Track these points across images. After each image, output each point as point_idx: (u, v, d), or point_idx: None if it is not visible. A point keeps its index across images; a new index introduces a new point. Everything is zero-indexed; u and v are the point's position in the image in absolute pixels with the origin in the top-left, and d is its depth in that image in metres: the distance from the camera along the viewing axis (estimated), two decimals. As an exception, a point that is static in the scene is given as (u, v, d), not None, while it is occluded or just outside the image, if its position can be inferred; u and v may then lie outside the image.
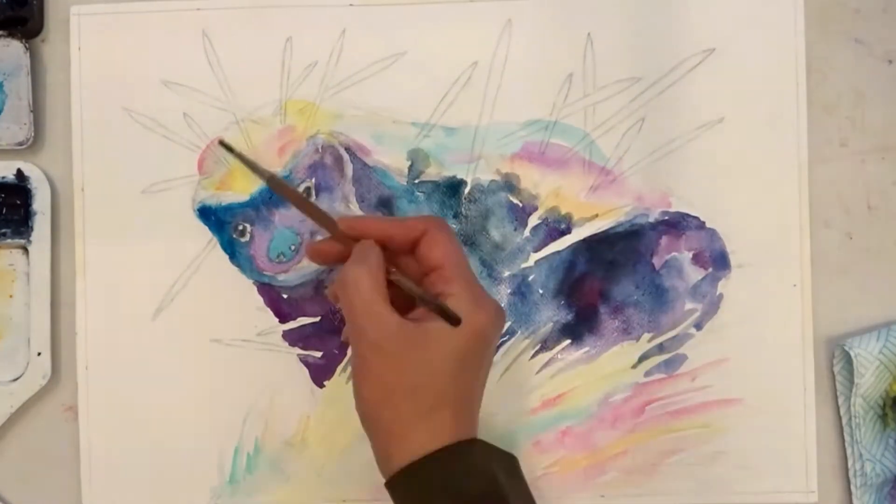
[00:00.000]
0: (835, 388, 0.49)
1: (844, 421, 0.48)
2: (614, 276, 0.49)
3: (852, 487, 0.48)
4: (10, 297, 0.49)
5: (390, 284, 0.40)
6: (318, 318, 0.49)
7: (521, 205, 0.49)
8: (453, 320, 0.39)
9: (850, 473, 0.48)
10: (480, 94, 0.49)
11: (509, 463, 0.40)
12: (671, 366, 0.49)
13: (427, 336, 0.39)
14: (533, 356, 0.49)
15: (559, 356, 0.49)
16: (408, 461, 0.38)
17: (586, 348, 0.49)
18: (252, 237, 0.49)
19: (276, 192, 0.42)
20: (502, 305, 0.49)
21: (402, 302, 0.40)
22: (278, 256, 0.49)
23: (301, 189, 0.49)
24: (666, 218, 0.49)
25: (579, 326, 0.49)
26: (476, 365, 0.40)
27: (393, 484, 0.39)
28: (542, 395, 0.49)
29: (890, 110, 0.49)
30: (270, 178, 0.41)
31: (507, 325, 0.49)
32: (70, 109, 0.49)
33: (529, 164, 0.49)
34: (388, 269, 0.40)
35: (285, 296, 0.49)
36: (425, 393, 0.38)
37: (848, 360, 0.48)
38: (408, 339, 0.38)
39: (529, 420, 0.49)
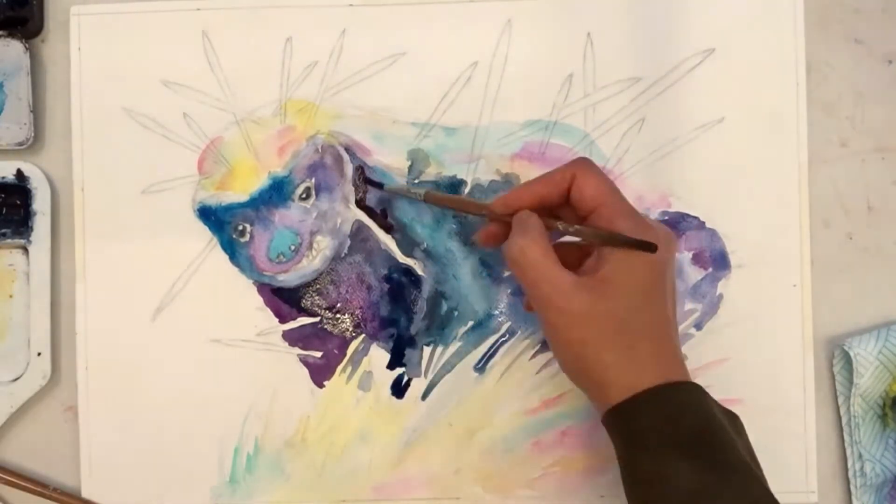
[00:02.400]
0: (834, 388, 0.49)
1: (844, 421, 0.48)
2: (614, 276, 0.49)
3: (852, 488, 0.48)
4: (10, 297, 0.49)
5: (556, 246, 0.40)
6: (317, 318, 0.49)
7: (521, 205, 0.49)
8: (651, 247, 0.38)
9: (850, 473, 0.48)
10: (480, 94, 0.49)
11: (731, 416, 0.40)
12: (671, 366, 0.48)
13: (605, 283, 0.38)
14: (533, 356, 0.49)
15: (559, 356, 0.49)
16: (616, 402, 0.38)
17: (586, 348, 0.49)
18: (252, 237, 0.49)
19: (436, 204, 0.45)
20: (502, 305, 0.49)
21: (571, 260, 0.40)
22: (278, 256, 0.49)
23: (301, 189, 0.49)
24: (666, 218, 0.49)
25: (579, 326, 0.49)
26: (660, 295, 0.39)
27: (607, 422, 0.39)
28: (542, 395, 0.49)
29: (890, 110, 0.49)
30: (427, 195, 0.44)
31: (507, 325, 0.49)
32: (70, 109, 0.49)
33: (529, 164, 0.49)
34: (561, 226, 0.40)
35: (285, 296, 0.49)
36: (621, 337, 0.38)
37: (847, 361, 0.48)
38: (589, 292, 0.38)
39: (529, 420, 0.49)
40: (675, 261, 0.41)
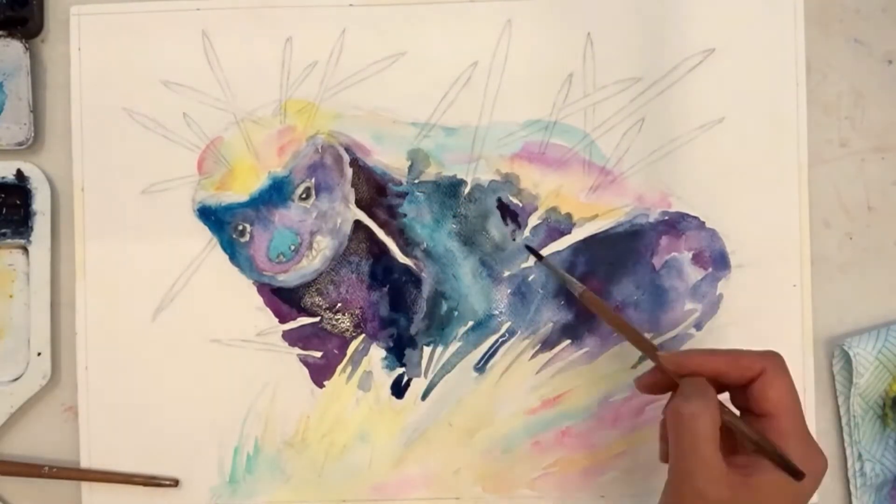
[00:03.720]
0: (834, 388, 0.49)
1: (844, 421, 0.48)
2: (614, 276, 0.49)
3: (852, 488, 0.48)
4: (10, 297, 0.49)
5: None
6: (317, 319, 0.49)
7: (521, 205, 0.49)
8: (798, 475, 0.37)
9: (850, 473, 0.48)
10: (480, 94, 0.49)
11: None
12: (671, 366, 0.49)
13: (754, 491, 0.37)
14: (533, 356, 0.49)
15: (559, 356, 0.49)
16: None
17: (586, 348, 0.49)
18: (252, 237, 0.49)
19: (592, 309, 0.45)
20: (502, 305, 0.49)
21: (725, 441, 0.38)
22: (278, 256, 0.49)
23: (301, 189, 0.49)
24: (666, 218, 0.49)
25: (579, 326, 0.49)
26: None
27: None
28: (542, 395, 0.49)
29: (890, 110, 0.49)
30: (583, 295, 0.44)
31: (507, 325, 0.49)
32: (70, 109, 0.49)
33: (529, 164, 0.49)
34: (722, 409, 0.38)
35: (285, 296, 0.49)
36: None
37: (847, 361, 0.48)
38: (733, 491, 0.37)
39: (529, 420, 0.49)
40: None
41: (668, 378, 0.41)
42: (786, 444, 0.38)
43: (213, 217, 0.49)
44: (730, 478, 0.37)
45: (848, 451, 0.48)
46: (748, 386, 0.39)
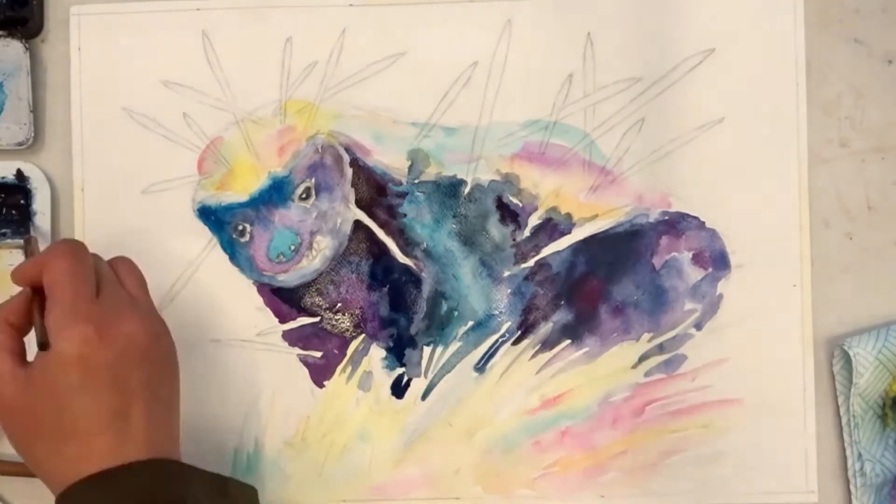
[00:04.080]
0: (834, 388, 0.49)
1: (844, 421, 0.48)
2: (614, 276, 0.49)
3: (852, 488, 0.48)
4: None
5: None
6: (317, 318, 0.49)
7: (521, 205, 0.49)
8: (45, 346, 0.39)
9: (850, 473, 0.48)
10: (480, 94, 0.49)
11: (219, 484, 0.41)
12: (671, 366, 0.49)
13: (41, 374, 0.39)
14: (533, 356, 0.49)
15: (559, 356, 0.49)
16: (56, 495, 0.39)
17: (586, 348, 0.49)
18: (252, 237, 0.49)
19: None
20: (502, 305, 0.49)
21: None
22: (278, 256, 0.49)
23: (301, 189, 0.49)
24: (666, 218, 0.49)
25: (579, 326, 0.49)
26: (91, 389, 0.39)
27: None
28: (542, 395, 0.49)
29: (890, 110, 0.49)
30: None
31: (507, 325, 0.49)
32: (70, 109, 0.49)
33: (529, 164, 0.49)
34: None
35: (285, 296, 0.49)
36: (53, 428, 0.39)
37: (847, 360, 0.48)
38: (23, 384, 0.39)
39: (529, 420, 0.49)
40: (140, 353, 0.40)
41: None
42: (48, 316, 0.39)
43: (213, 217, 0.49)
44: (23, 375, 0.39)
45: (848, 451, 0.48)
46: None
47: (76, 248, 0.41)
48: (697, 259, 0.49)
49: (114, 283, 0.42)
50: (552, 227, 0.49)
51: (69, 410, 0.38)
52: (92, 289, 0.40)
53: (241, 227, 0.49)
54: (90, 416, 0.38)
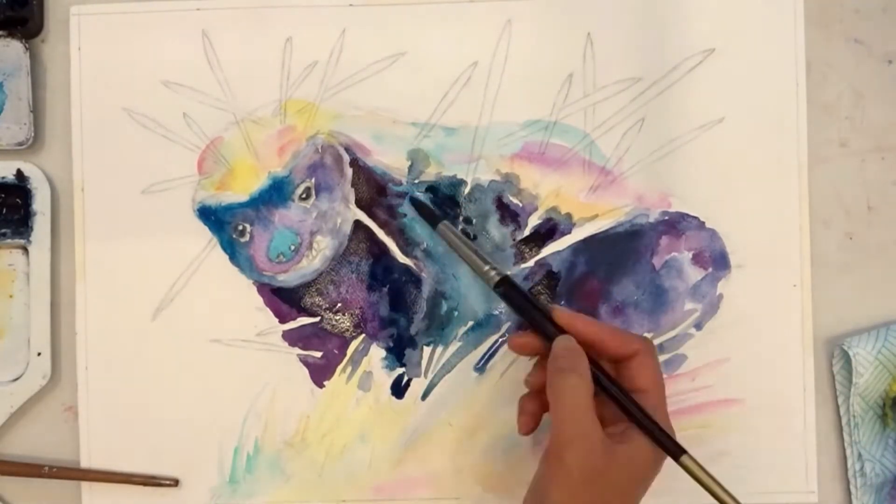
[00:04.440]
0: (835, 388, 0.49)
1: (844, 421, 0.48)
2: (614, 276, 0.49)
3: (852, 488, 0.48)
4: (10, 297, 0.49)
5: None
6: (317, 319, 0.49)
7: (521, 205, 0.49)
8: (676, 453, 0.40)
9: (850, 474, 0.48)
10: (480, 94, 0.49)
11: None
12: (671, 366, 0.49)
13: (625, 460, 0.40)
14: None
15: (559, 356, 0.49)
16: None
17: (586, 348, 0.49)
18: (252, 237, 0.49)
19: (504, 299, 0.45)
20: (502, 305, 0.49)
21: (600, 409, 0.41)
22: (278, 256, 0.49)
23: (301, 189, 0.49)
24: (666, 218, 0.49)
25: (579, 326, 0.49)
26: (643, 491, 0.41)
27: None
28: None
29: (890, 110, 0.49)
30: (501, 282, 0.44)
31: (507, 325, 0.49)
32: (70, 109, 0.49)
33: (529, 164, 0.49)
34: (609, 382, 0.41)
35: (285, 296, 0.49)
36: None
37: (847, 360, 0.48)
38: (609, 459, 0.39)
39: (529, 420, 0.49)
40: None
41: (542, 343, 0.43)
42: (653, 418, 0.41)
43: (213, 217, 0.49)
44: (606, 447, 0.39)
45: (848, 452, 0.48)
46: (620, 363, 0.42)
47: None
48: (697, 259, 0.49)
49: None
50: (552, 227, 0.49)
51: (643, 485, 0.41)
52: None
53: (241, 227, 0.49)
54: None
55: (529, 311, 0.43)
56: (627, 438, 0.40)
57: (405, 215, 0.49)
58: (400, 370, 0.49)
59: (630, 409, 0.41)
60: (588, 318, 0.43)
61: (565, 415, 0.40)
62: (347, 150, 0.49)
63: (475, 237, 0.49)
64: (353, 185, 0.49)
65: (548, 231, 0.49)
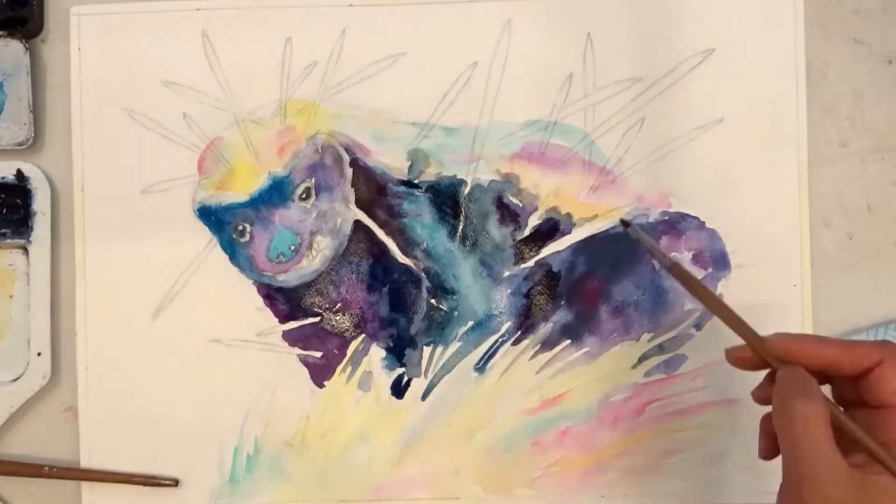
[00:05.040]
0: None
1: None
2: (614, 276, 0.49)
3: (852, 487, 0.48)
4: (10, 297, 0.49)
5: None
6: (317, 319, 0.49)
7: (521, 205, 0.49)
8: None
9: (851, 473, 0.48)
10: (480, 94, 0.49)
11: None
12: (671, 366, 0.49)
13: (875, 491, 0.34)
14: (533, 356, 0.49)
15: (559, 356, 0.49)
16: None
17: (586, 348, 0.49)
18: (252, 237, 0.49)
19: (681, 282, 0.41)
20: (502, 305, 0.49)
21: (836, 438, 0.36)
22: (278, 256, 0.49)
23: (301, 189, 0.49)
24: (666, 218, 0.49)
25: (579, 326, 0.49)
26: None
27: None
28: (542, 395, 0.49)
29: (890, 110, 0.49)
30: (674, 268, 0.40)
31: (507, 325, 0.49)
32: (70, 109, 0.49)
33: (529, 165, 0.49)
34: (832, 407, 0.36)
35: (285, 296, 0.49)
36: None
37: (848, 360, 0.48)
38: (857, 491, 0.34)
39: (529, 420, 0.49)
40: None
41: (763, 358, 0.38)
42: None
43: (213, 217, 0.49)
44: (854, 477, 0.34)
45: (848, 451, 0.48)
46: (860, 377, 0.37)
47: None
48: (697, 259, 0.49)
49: None
50: (552, 227, 0.49)
51: None
52: None
53: (241, 227, 0.49)
54: None
55: (745, 332, 0.39)
56: (874, 465, 0.35)
57: (405, 215, 0.49)
58: (400, 370, 0.49)
59: (859, 437, 0.35)
60: (809, 340, 0.38)
61: (799, 446, 0.35)
62: (347, 150, 0.49)
63: (475, 237, 0.49)
64: (353, 185, 0.49)
65: (548, 231, 0.49)
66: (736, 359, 0.39)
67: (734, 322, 0.39)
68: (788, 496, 0.35)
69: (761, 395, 0.40)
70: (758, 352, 0.38)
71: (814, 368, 0.37)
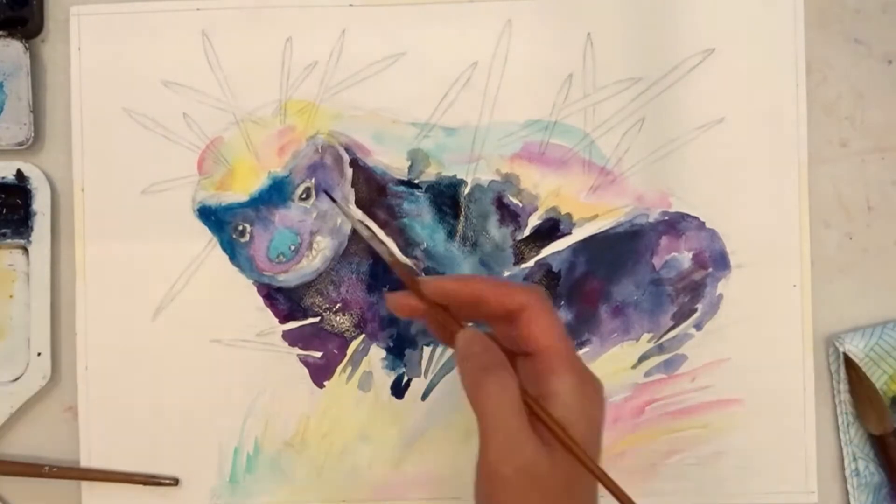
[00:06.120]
0: (832, 387, 0.49)
1: (840, 420, 0.48)
2: (614, 276, 0.49)
3: (849, 487, 0.48)
4: (10, 297, 0.49)
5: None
6: (317, 319, 0.49)
7: (521, 205, 0.49)
8: (596, 474, 0.35)
9: (847, 473, 0.48)
10: (480, 94, 0.49)
11: None
12: (671, 366, 0.49)
13: (564, 460, 0.35)
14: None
15: (559, 356, 0.49)
16: None
17: (586, 348, 0.49)
18: (252, 237, 0.49)
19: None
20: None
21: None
22: (278, 256, 0.49)
23: (301, 189, 0.49)
24: (666, 218, 0.49)
25: (579, 326, 0.49)
26: (597, 451, 0.36)
27: None
28: (542, 395, 0.49)
29: (890, 110, 0.49)
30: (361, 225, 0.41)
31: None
32: (70, 109, 0.49)
33: (529, 165, 0.49)
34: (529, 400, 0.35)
35: (285, 296, 0.49)
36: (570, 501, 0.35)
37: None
38: (548, 462, 0.35)
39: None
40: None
41: (427, 302, 0.37)
42: (561, 378, 0.35)
43: (213, 217, 0.49)
44: (540, 449, 0.34)
45: (845, 451, 0.48)
46: (513, 324, 0.36)
47: (546, 294, 0.37)
48: (697, 259, 0.49)
49: None
50: (552, 227, 0.49)
51: (586, 481, 0.36)
52: None
53: (241, 227, 0.49)
54: (594, 486, 0.36)
55: (403, 271, 0.38)
56: (552, 437, 0.35)
57: (405, 215, 0.49)
58: (400, 370, 0.49)
59: (559, 436, 0.35)
60: (458, 277, 0.38)
61: (491, 420, 0.34)
62: (347, 150, 0.49)
63: (475, 237, 0.49)
64: (353, 186, 0.49)
65: (548, 231, 0.49)
66: (394, 304, 0.38)
67: (396, 263, 0.39)
68: (485, 466, 0.35)
69: (397, 304, 0.38)
70: (416, 293, 0.37)
71: (465, 305, 0.36)
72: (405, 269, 0.39)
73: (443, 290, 0.37)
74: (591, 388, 0.36)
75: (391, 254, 0.41)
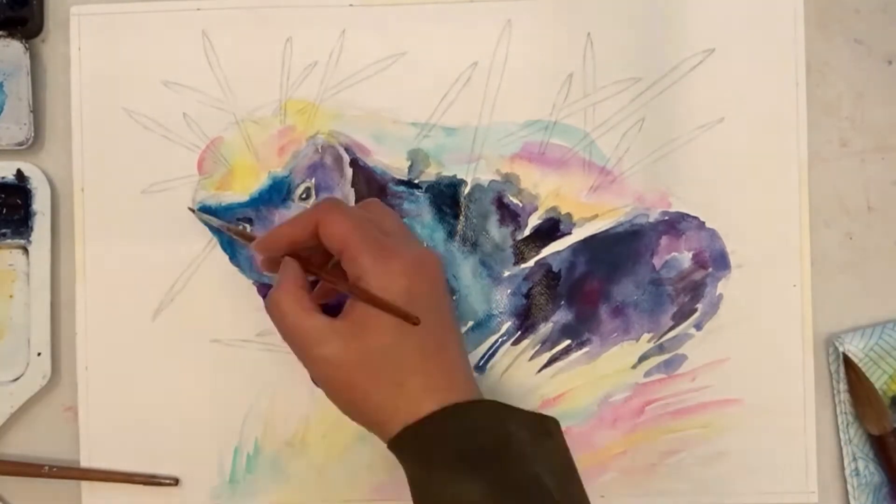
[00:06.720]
0: (832, 387, 0.49)
1: (840, 420, 0.48)
2: (614, 276, 0.49)
3: (849, 487, 0.48)
4: (10, 297, 0.49)
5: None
6: (318, 318, 0.49)
7: (521, 205, 0.49)
8: (411, 319, 0.38)
9: (847, 473, 0.48)
10: (480, 94, 0.49)
11: (539, 423, 0.39)
12: (671, 366, 0.49)
13: (358, 325, 0.39)
14: (533, 356, 0.49)
15: (559, 356, 0.49)
16: (395, 433, 0.38)
17: (586, 348, 0.49)
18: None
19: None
20: (502, 305, 0.49)
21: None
22: (278, 256, 0.49)
23: (301, 189, 0.49)
24: (666, 218, 0.49)
25: (579, 326, 0.49)
26: (422, 329, 0.39)
27: (392, 450, 0.39)
28: (542, 395, 0.49)
29: (890, 110, 0.49)
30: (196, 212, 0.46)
31: (508, 324, 0.49)
32: (70, 109, 0.49)
33: (529, 165, 0.49)
34: (321, 274, 0.40)
35: (285, 296, 0.49)
36: (385, 375, 0.38)
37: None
38: (343, 337, 0.38)
39: (529, 420, 0.49)
40: (442, 282, 0.41)
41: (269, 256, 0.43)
42: (361, 263, 0.39)
43: (214, 217, 0.49)
44: (336, 328, 0.38)
45: (844, 451, 0.48)
46: (320, 240, 0.40)
47: (338, 201, 0.42)
48: (697, 259, 0.49)
49: (383, 220, 0.42)
50: (552, 227, 0.49)
51: (399, 352, 0.38)
52: (376, 229, 0.40)
53: (241, 227, 0.49)
54: (421, 353, 0.38)
55: (239, 234, 0.45)
56: (354, 303, 0.39)
57: (405, 215, 0.49)
58: (400, 370, 0.49)
59: (349, 291, 0.39)
60: (276, 230, 0.42)
61: (284, 330, 0.39)
62: (347, 150, 0.49)
63: (475, 237, 0.49)
64: (353, 186, 0.49)
65: (548, 231, 0.49)
66: (261, 265, 0.44)
67: (238, 233, 0.45)
68: (308, 369, 0.40)
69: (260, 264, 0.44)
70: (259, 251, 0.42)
71: (290, 251, 0.41)
72: (241, 233, 0.45)
73: (267, 245, 0.41)
74: (396, 263, 0.39)
75: (229, 227, 0.45)
